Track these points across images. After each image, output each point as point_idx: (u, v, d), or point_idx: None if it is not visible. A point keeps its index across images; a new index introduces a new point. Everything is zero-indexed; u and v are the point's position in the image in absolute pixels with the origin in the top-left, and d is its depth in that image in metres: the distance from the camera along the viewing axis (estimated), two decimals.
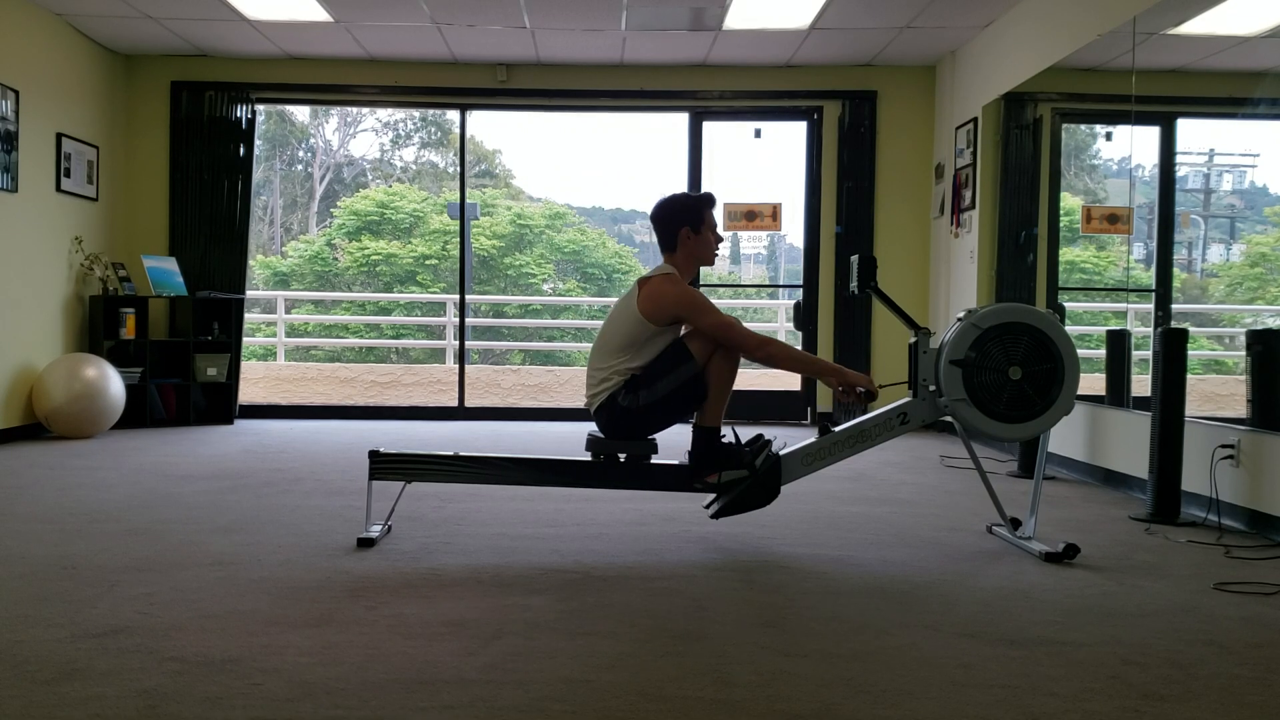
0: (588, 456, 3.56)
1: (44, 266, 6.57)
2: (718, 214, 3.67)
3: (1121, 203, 5.66)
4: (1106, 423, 5.06)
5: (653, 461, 3.54)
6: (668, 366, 3.44)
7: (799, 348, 5.38)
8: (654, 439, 3.53)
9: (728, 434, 3.54)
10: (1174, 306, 5.25)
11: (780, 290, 15.55)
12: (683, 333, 3.52)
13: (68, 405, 6.26)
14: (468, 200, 8.11)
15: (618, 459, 3.54)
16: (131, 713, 2.00)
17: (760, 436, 3.55)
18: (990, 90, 6.53)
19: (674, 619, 2.68)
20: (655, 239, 3.61)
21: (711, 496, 3.56)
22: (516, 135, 25.04)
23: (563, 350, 14.07)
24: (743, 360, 3.53)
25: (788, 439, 3.66)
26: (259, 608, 2.72)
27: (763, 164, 9.09)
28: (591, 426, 3.63)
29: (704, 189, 7.72)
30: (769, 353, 3.51)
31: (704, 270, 8.43)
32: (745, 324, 3.50)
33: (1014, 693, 2.17)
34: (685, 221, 3.56)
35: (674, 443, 3.69)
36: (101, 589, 2.88)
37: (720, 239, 3.67)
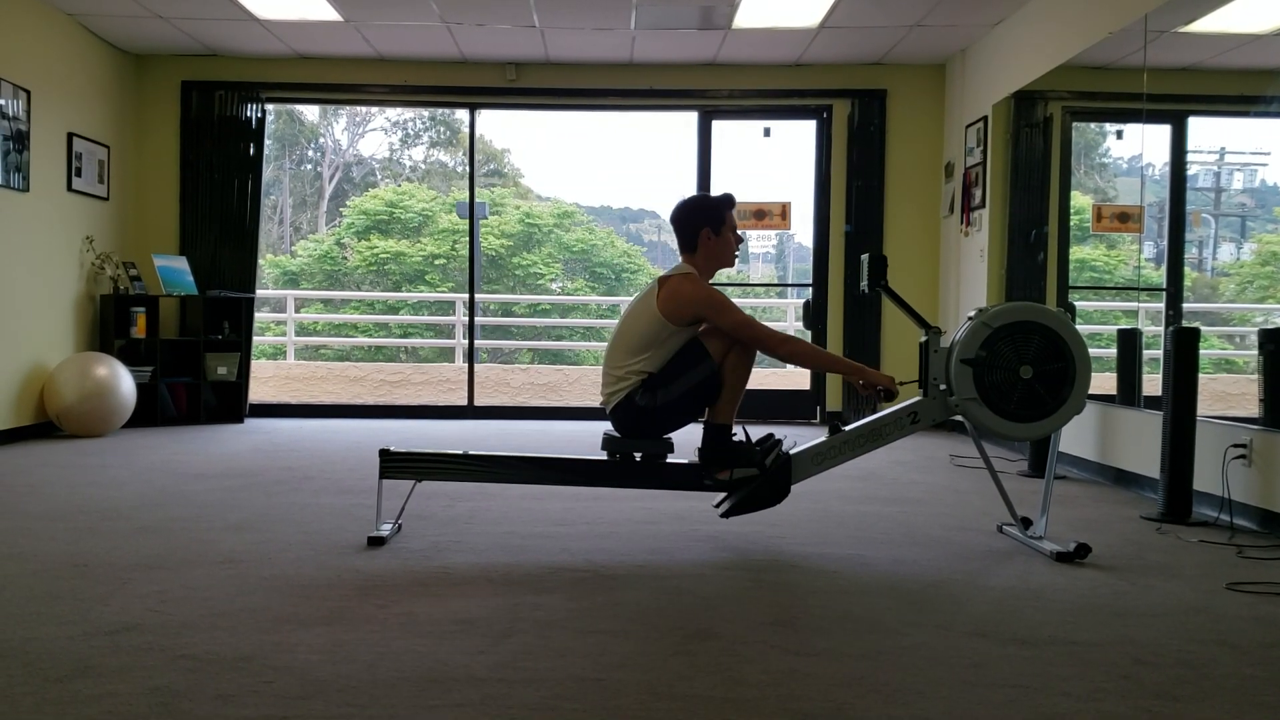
0: (598, 455, 3.56)
1: (55, 266, 6.59)
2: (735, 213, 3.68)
3: (1132, 201, 5.64)
4: (1118, 422, 5.04)
5: (664, 460, 3.54)
6: (685, 365, 3.45)
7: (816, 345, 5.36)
8: (670, 438, 3.53)
9: (739, 432, 3.53)
10: (1185, 305, 5.23)
11: (789, 289, 15.53)
12: (701, 330, 3.52)
13: (79, 404, 6.28)
14: (477, 199, 8.12)
15: (632, 457, 3.53)
16: (143, 710, 2.00)
17: (771, 436, 3.55)
18: (1000, 89, 6.51)
19: (684, 617, 2.68)
20: (669, 239, 3.62)
21: (721, 495, 3.56)
22: (525, 134, 25.13)
23: (571, 349, 14.08)
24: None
25: (797, 438, 3.66)
26: (270, 605, 2.72)
27: (772, 163, 9.09)
28: (607, 426, 3.62)
29: (713, 188, 7.73)
30: (791, 350, 3.55)
31: None
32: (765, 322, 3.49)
33: (1025, 693, 2.17)
34: (705, 222, 3.55)
35: (685, 441, 3.68)
36: (113, 587, 2.89)
37: (740, 239, 3.68)
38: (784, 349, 3.51)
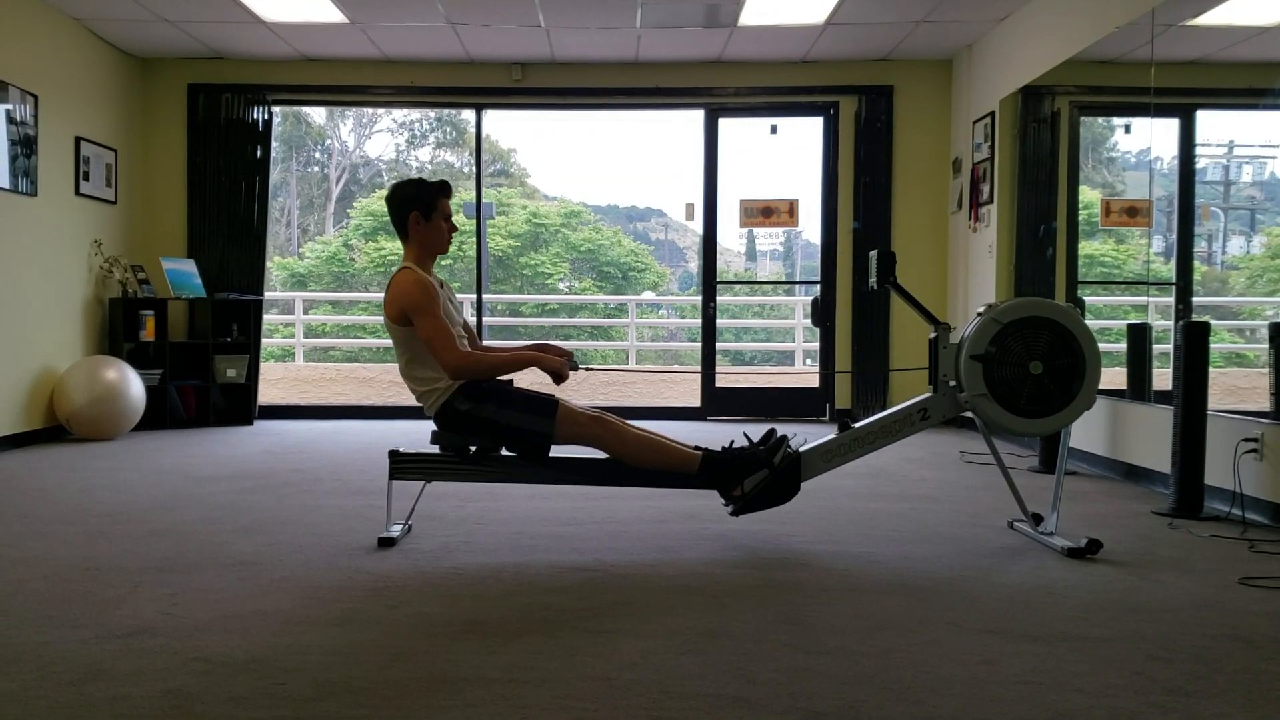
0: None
1: (64, 269, 6.61)
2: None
3: (1141, 195, 5.62)
4: (1128, 417, 5.02)
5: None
6: (526, 405, 3.40)
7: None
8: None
9: (736, 439, 3.52)
10: (1194, 299, 5.20)
11: (797, 286, 15.51)
12: (563, 404, 3.43)
13: (89, 407, 6.30)
14: (483, 199, 8.12)
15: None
16: (156, 713, 2.01)
17: (773, 431, 3.54)
18: (1007, 84, 6.49)
19: (694, 616, 2.68)
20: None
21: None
22: (531, 134, 25.10)
23: (579, 349, 14.06)
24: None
25: (807, 435, 3.65)
26: (281, 607, 2.73)
27: (779, 160, 9.07)
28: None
29: (720, 186, 7.73)
30: (461, 366, 3.30)
31: (721, 267, 8.40)
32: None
33: (1037, 689, 2.16)
34: (414, 208, 3.45)
35: (686, 440, 3.68)
36: (125, 590, 2.90)
37: (454, 228, 3.54)
38: (452, 369, 3.30)
